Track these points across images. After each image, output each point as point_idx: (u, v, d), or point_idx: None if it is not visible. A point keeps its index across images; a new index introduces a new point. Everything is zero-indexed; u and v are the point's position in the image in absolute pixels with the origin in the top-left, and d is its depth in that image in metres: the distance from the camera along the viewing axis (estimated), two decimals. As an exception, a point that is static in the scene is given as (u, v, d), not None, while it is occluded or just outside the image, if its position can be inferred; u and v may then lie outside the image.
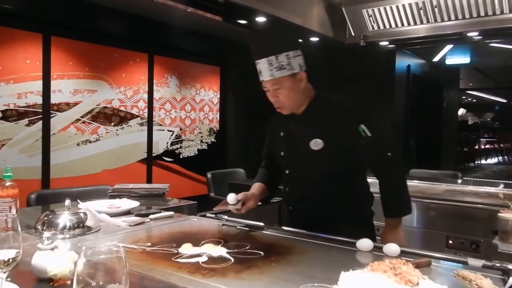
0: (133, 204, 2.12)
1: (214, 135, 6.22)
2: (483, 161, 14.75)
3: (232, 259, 1.33)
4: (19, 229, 1.02)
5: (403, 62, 6.34)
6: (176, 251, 1.41)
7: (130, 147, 5.01)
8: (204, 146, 6.05)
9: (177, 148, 5.64)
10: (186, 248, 1.42)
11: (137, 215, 1.96)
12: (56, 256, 1.14)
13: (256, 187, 1.95)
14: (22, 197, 1.99)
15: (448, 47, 6.65)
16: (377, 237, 1.79)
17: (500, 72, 10.70)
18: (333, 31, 4.10)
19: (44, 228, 1.63)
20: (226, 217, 1.89)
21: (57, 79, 4.28)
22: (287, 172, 1.89)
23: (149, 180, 5.21)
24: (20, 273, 1.15)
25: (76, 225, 1.65)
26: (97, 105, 4.64)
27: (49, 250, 1.18)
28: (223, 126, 6.34)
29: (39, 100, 4.15)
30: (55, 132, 4.29)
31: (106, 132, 4.75)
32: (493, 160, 15.21)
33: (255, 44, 1.79)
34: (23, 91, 4.03)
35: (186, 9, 3.37)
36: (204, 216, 2.08)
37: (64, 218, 1.65)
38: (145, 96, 5.18)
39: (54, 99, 4.26)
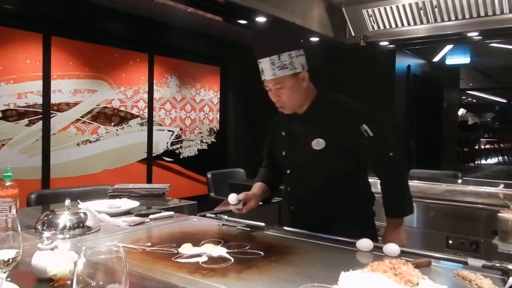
0: (133, 204, 2.12)
1: (214, 135, 6.22)
2: (483, 161, 14.73)
3: (232, 259, 1.33)
4: (19, 229, 1.02)
5: (403, 62, 6.33)
6: (176, 251, 1.41)
7: (130, 147, 5.01)
8: (204, 146, 6.05)
9: (177, 148, 5.64)
10: (186, 248, 1.42)
11: (137, 215, 1.96)
12: (56, 256, 1.14)
13: (257, 187, 1.94)
14: (22, 197, 1.99)
15: (448, 47, 6.64)
16: (378, 238, 1.79)
17: (500, 72, 10.70)
18: (333, 31, 4.10)
19: (44, 228, 1.64)
20: (226, 217, 1.89)
21: (57, 79, 4.28)
22: (288, 172, 1.89)
23: (149, 180, 5.21)
24: (20, 273, 1.15)
25: (76, 225, 1.65)
26: (97, 105, 4.64)
27: (49, 250, 1.18)
28: (223, 126, 6.34)
29: (39, 100, 4.14)
30: (55, 132, 4.29)
31: (106, 132, 4.74)
32: (493, 160, 15.19)
33: (258, 43, 1.78)
34: (23, 91, 4.03)
35: (186, 9, 3.37)
36: (204, 216, 2.08)
37: (64, 218, 1.65)
38: (145, 96, 5.18)
39: (54, 99, 4.26)
